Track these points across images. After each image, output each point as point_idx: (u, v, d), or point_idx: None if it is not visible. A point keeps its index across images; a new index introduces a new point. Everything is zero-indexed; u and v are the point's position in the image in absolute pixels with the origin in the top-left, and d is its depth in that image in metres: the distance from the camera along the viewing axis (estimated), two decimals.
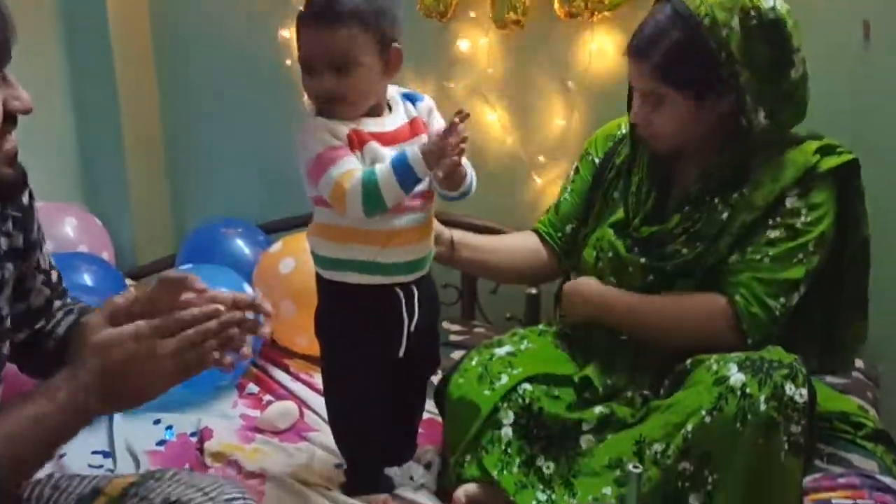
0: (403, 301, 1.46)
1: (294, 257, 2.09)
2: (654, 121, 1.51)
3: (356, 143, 1.38)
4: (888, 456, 1.61)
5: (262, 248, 2.33)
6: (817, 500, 1.47)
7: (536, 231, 1.82)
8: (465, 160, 1.41)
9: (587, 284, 1.62)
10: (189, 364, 1.02)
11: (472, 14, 2.28)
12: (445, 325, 2.26)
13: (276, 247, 2.21)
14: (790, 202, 1.50)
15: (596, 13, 2.11)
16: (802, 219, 1.49)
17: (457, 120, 1.33)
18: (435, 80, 2.36)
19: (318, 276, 1.50)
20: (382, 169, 1.35)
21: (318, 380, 2.00)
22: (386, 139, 1.40)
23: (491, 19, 2.24)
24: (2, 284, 1.13)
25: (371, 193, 1.34)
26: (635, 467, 1.07)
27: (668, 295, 1.54)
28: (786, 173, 1.50)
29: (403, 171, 1.34)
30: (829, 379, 1.85)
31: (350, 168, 1.35)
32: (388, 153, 1.38)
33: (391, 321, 1.46)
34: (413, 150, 1.35)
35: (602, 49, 2.16)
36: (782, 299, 1.49)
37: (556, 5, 2.15)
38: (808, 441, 1.39)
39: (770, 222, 1.50)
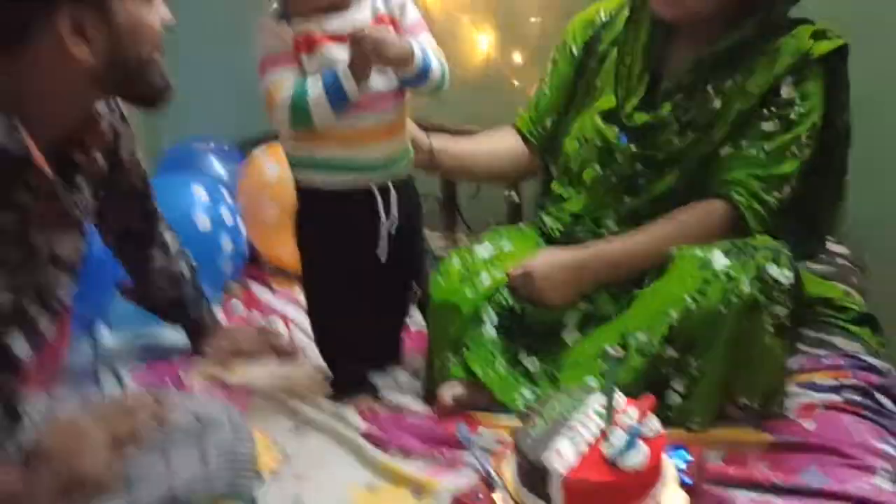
0: (380, 201, 1.44)
1: (278, 163, 2.07)
2: None
3: (304, 46, 1.34)
4: (874, 338, 1.63)
5: (239, 164, 2.30)
6: (801, 382, 1.49)
7: (516, 127, 1.78)
8: (430, 51, 1.38)
9: (550, 264, 1.50)
10: None
11: None
12: (427, 233, 2.23)
13: (260, 151, 2.20)
14: (785, 91, 1.46)
15: None
16: (796, 109, 1.46)
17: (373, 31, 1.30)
18: None
19: (295, 182, 1.48)
20: (315, 86, 1.32)
21: (301, 297, 1.99)
22: (344, 39, 1.34)
23: None
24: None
25: (299, 109, 1.33)
26: (615, 350, 1.06)
27: (658, 222, 1.49)
28: (781, 60, 1.46)
29: (334, 90, 1.32)
30: (815, 266, 1.84)
31: (281, 79, 1.33)
32: (345, 55, 1.33)
33: (368, 223, 1.45)
34: (343, 65, 1.32)
35: None
36: (776, 193, 1.47)
37: None
38: (793, 324, 1.40)
39: (765, 112, 1.47)
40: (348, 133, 1.39)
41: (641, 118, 1.53)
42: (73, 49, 1.10)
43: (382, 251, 1.46)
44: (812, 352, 1.58)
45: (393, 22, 1.41)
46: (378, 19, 1.40)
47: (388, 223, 1.46)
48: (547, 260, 1.50)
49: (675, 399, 1.37)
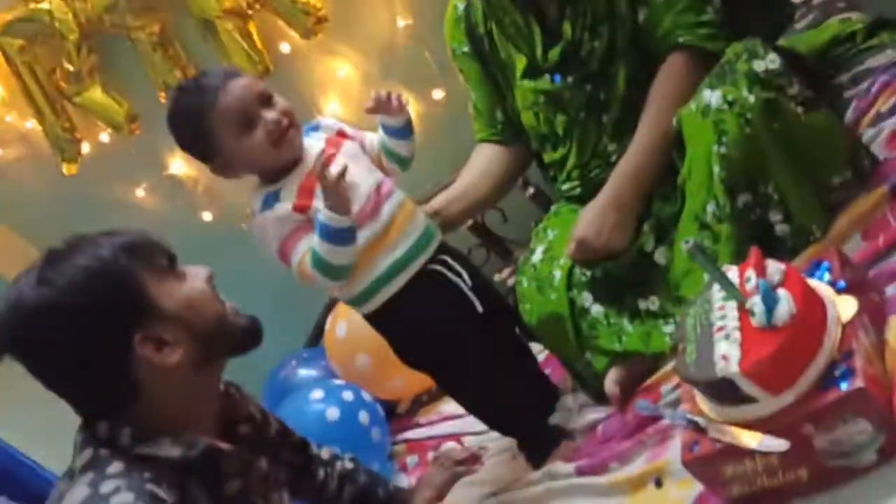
0: (445, 269, 1.49)
1: (344, 319, 2.15)
2: None
3: (307, 191, 1.41)
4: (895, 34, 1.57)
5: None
6: (869, 122, 1.43)
7: (481, 140, 1.80)
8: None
9: (592, 220, 1.48)
10: None
11: None
12: (497, 278, 2.26)
13: (328, 323, 2.29)
14: None
15: None
16: None
17: (319, 162, 1.35)
18: None
19: (370, 316, 1.52)
20: (318, 243, 1.39)
21: (447, 407, 2.02)
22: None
23: None
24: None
25: (321, 268, 1.40)
26: (686, 242, 1.04)
27: (644, 113, 1.49)
28: None
29: (329, 234, 1.38)
30: (800, 24, 1.79)
31: (301, 251, 1.41)
32: (336, 165, 1.39)
33: (449, 293, 1.49)
34: (325, 211, 1.37)
35: None
36: (709, 7, 1.46)
37: None
38: (816, 88, 1.36)
39: None
40: (379, 240, 1.45)
41: (555, 52, 1.54)
42: (167, 360, 1.16)
43: (476, 302, 1.49)
44: (857, 91, 1.53)
45: (342, 133, 1.52)
46: (329, 142, 1.49)
47: (466, 279, 1.50)
48: (586, 218, 1.50)
49: (783, 229, 1.34)
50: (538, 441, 1.57)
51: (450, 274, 1.49)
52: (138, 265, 1.17)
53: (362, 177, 1.45)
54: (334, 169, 1.33)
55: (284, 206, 1.41)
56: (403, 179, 1.58)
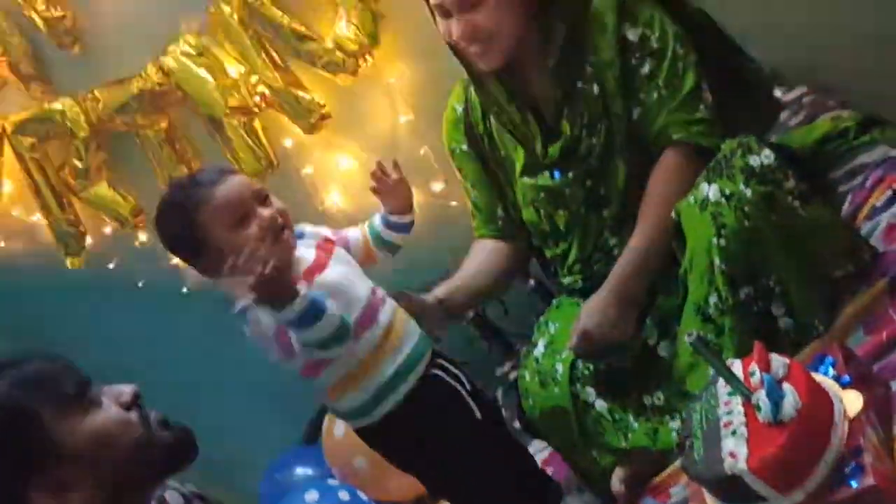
0: (443, 373, 1.46)
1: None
2: (479, 24, 1.46)
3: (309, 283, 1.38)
4: (889, 131, 1.60)
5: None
6: (867, 215, 1.45)
7: (481, 237, 1.81)
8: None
9: (594, 312, 1.47)
10: None
11: None
12: (498, 372, 2.25)
13: (326, 421, 2.27)
14: (632, 34, 1.51)
15: None
16: (652, 38, 1.50)
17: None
18: None
19: (368, 431, 1.47)
20: (298, 338, 1.34)
21: None
22: (317, 270, 1.41)
23: None
24: None
25: (324, 344, 1.35)
26: (689, 335, 1.04)
27: (643, 207, 1.50)
28: (607, 18, 1.51)
29: (297, 324, 1.32)
30: (793, 120, 1.84)
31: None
32: (334, 272, 1.40)
33: (451, 399, 1.45)
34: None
35: None
36: (701, 105, 1.50)
37: None
38: (811, 183, 1.39)
39: (633, 62, 1.51)
40: (380, 347, 1.41)
41: (555, 149, 1.57)
42: None
43: (475, 408, 1.46)
44: (852, 185, 1.55)
45: (328, 240, 1.49)
46: (319, 247, 1.46)
47: (465, 384, 1.47)
48: (589, 311, 1.50)
49: (786, 322, 1.34)
50: None
51: (449, 379, 1.46)
52: (37, 401, 1.04)
53: (357, 283, 1.43)
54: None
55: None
56: (403, 271, 1.59)
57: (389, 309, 1.45)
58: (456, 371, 1.48)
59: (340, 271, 1.40)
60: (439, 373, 1.45)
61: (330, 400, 1.47)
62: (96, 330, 2.78)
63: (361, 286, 1.43)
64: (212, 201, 1.38)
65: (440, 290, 1.68)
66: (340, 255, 1.47)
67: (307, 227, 1.51)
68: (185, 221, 1.39)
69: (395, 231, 1.53)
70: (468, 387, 1.47)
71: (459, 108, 1.72)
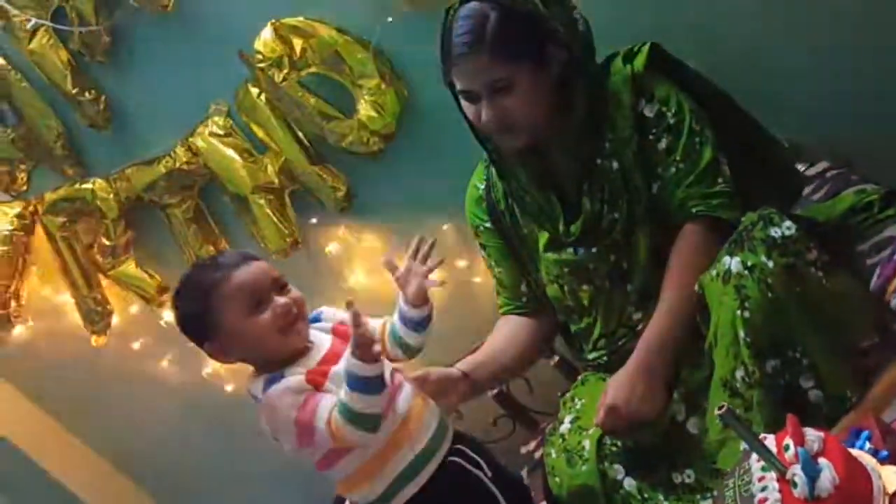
0: (463, 460, 1.42)
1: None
2: (509, 109, 1.48)
3: (319, 376, 1.35)
4: None
5: None
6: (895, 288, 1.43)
7: (506, 313, 1.80)
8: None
9: (622, 386, 1.45)
10: None
11: None
12: (524, 450, 2.21)
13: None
14: (648, 110, 1.53)
15: None
16: (668, 114, 1.52)
17: (352, 311, 1.30)
18: None
19: None
20: (345, 394, 1.31)
21: None
22: (332, 360, 1.38)
23: None
24: None
25: (361, 420, 1.30)
26: (720, 409, 1.02)
27: (665, 282, 1.50)
28: (623, 97, 1.53)
29: (356, 384, 1.30)
30: (816, 196, 1.84)
31: (329, 407, 1.31)
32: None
33: (471, 487, 1.41)
34: (344, 362, 1.32)
35: None
36: (720, 179, 1.51)
37: None
38: (837, 255, 1.38)
39: (651, 138, 1.53)
40: (399, 435, 1.38)
41: (577, 226, 1.58)
42: None
43: (499, 496, 1.42)
44: (880, 258, 1.54)
45: (344, 324, 1.43)
46: (335, 332, 1.44)
47: (485, 470, 1.43)
48: (615, 386, 1.48)
49: (816, 395, 1.31)
50: None
51: (469, 466, 1.42)
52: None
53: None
54: (365, 318, 1.30)
55: (295, 379, 1.34)
56: (428, 350, 1.57)
57: (408, 395, 1.42)
58: (475, 456, 1.44)
59: (374, 366, 1.33)
60: (458, 459, 1.42)
61: (342, 493, 1.43)
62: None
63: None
64: (228, 285, 1.37)
65: (464, 365, 1.67)
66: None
67: (326, 310, 1.49)
68: (199, 302, 1.38)
69: (410, 328, 1.44)
70: (489, 472, 1.43)
71: (481, 187, 1.74)
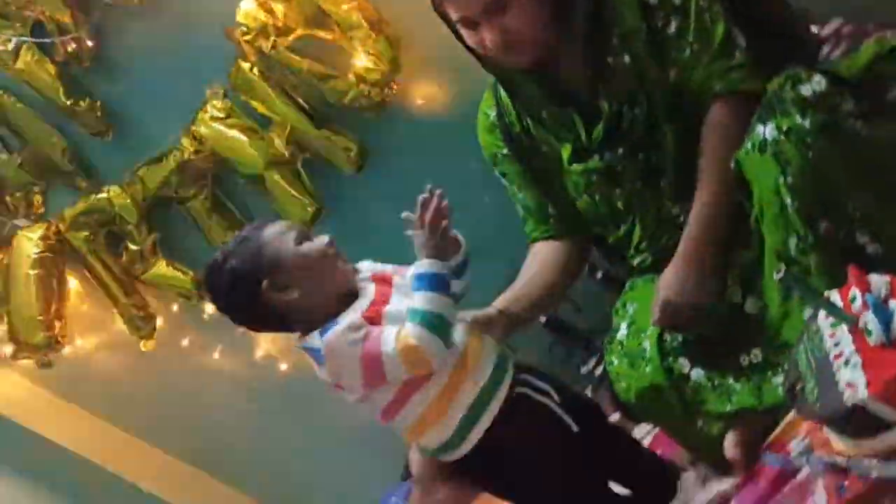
0: (529, 390, 1.39)
1: None
2: (509, 26, 1.44)
3: (374, 315, 1.33)
4: None
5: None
6: None
7: (535, 240, 1.76)
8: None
9: (673, 282, 1.41)
10: None
11: None
12: (584, 370, 2.20)
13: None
14: None
15: None
16: None
17: (423, 196, 1.30)
18: None
19: (455, 464, 1.40)
20: (417, 300, 1.29)
21: None
22: (381, 302, 1.35)
23: None
24: None
25: (431, 323, 1.27)
26: (777, 272, 0.99)
27: (701, 167, 1.45)
28: None
29: (428, 283, 1.29)
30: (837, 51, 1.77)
31: (394, 331, 1.28)
32: (400, 304, 1.34)
33: (541, 416, 1.39)
34: (419, 263, 1.31)
35: None
36: (737, 52, 1.46)
37: None
38: (866, 102, 1.32)
39: (659, 24, 1.48)
40: (460, 373, 1.34)
41: (598, 131, 1.54)
42: None
43: (569, 420, 1.39)
44: None
45: (383, 273, 1.43)
46: (373, 279, 1.41)
47: (553, 396, 1.40)
48: (667, 281, 1.44)
49: (874, 248, 1.26)
50: None
51: (535, 395, 1.39)
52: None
53: None
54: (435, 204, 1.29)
55: (352, 317, 1.31)
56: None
57: (460, 332, 1.39)
58: (542, 384, 1.41)
59: (403, 301, 1.34)
60: (524, 389, 1.39)
61: (410, 441, 1.42)
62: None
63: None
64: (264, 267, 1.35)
65: (500, 302, 1.62)
66: (398, 284, 1.40)
67: (362, 264, 1.45)
68: (251, 299, 1.35)
69: (417, 283, 1.34)
70: (557, 398, 1.41)
71: (492, 114, 1.70)
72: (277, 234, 1.38)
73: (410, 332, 1.27)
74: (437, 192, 1.33)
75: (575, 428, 1.39)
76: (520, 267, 1.75)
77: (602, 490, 1.44)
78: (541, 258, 1.73)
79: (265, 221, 1.43)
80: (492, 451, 1.36)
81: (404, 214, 1.37)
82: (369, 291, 1.38)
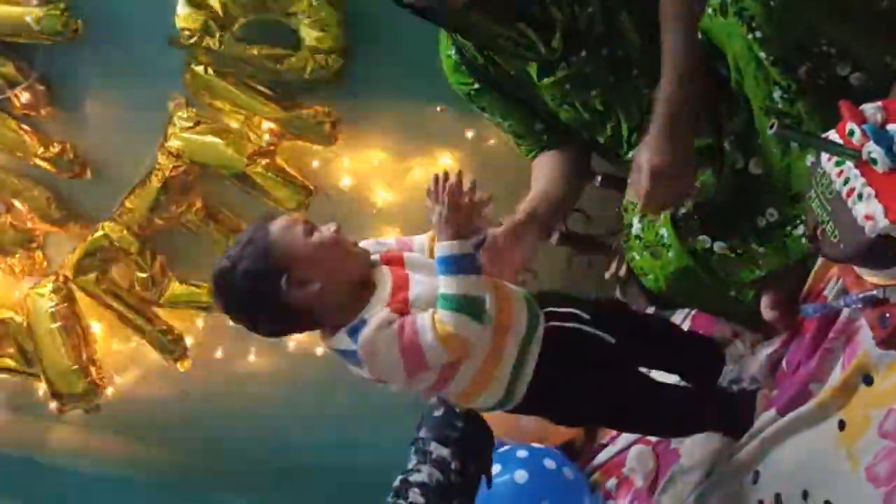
0: (557, 321, 1.38)
1: None
2: None
3: (400, 304, 1.28)
4: None
5: None
6: None
7: (533, 157, 1.76)
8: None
9: (651, 152, 1.37)
10: None
11: None
12: (608, 275, 2.21)
13: None
14: None
15: None
16: None
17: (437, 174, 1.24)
18: None
19: (511, 411, 1.40)
20: (444, 286, 1.25)
21: None
22: (403, 287, 1.30)
23: None
24: None
25: (464, 307, 1.23)
26: (770, 128, 0.98)
27: (665, 41, 1.41)
28: None
29: (453, 266, 1.24)
30: None
31: (428, 318, 1.24)
32: (418, 285, 1.30)
33: (576, 342, 1.39)
34: (439, 245, 1.26)
35: None
36: None
37: None
38: None
39: None
40: (497, 330, 1.31)
41: (558, 41, 1.52)
42: None
43: (603, 334, 1.40)
44: None
45: (390, 250, 1.40)
46: (383, 258, 1.37)
47: (582, 317, 1.40)
48: (645, 147, 1.38)
49: (857, 77, 1.26)
50: (729, 419, 1.46)
51: (564, 323, 1.38)
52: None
53: (435, 285, 1.28)
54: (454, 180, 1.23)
55: (381, 315, 1.26)
56: None
57: (490, 295, 1.31)
58: (565, 310, 1.40)
59: (422, 280, 1.30)
60: (552, 323, 1.37)
61: (463, 404, 1.42)
62: None
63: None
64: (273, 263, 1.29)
65: (524, 207, 1.61)
66: (412, 260, 1.36)
67: (367, 243, 1.41)
68: (271, 300, 1.29)
69: (442, 267, 1.28)
70: (585, 316, 1.40)
71: (453, 53, 1.68)
72: (284, 230, 1.31)
73: (445, 319, 1.24)
74: (456, 172, 1.26)
75: (611, 339, 1.39)
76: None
77: (653, 385, 1.45)
78: (546, 168, 1.71)
79: (263, 220, 1.36)
80: (542, 390, 1.36)
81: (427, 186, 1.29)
82: (385, 277, 1.32)
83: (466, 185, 1.25)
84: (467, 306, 1.24)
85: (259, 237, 1.31)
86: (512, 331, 1.32)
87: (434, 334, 1.23)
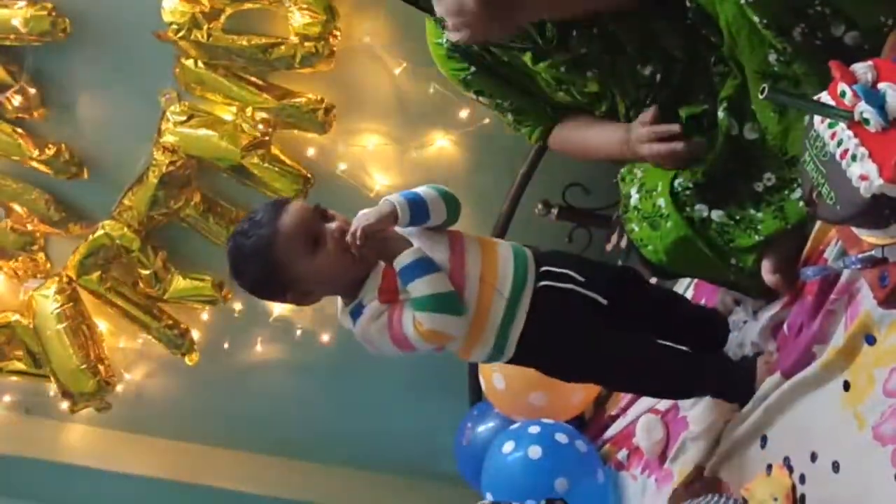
0: (550, 280, 1.41)
1: (497, 371, 2.10)
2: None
3: (388, 291, 1.36)
4: None
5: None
6: None
7: (541, 136, 1.72)
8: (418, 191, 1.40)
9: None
10: None
11: None
12: (609, 247, 2.20)
13: (482, 380, 2.22)
14: None
15: None
16: None
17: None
18: None
19: (509, 362, 1.46)
20: (409, 289, 1.34)
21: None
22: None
23: None
24: None
25: (434, 305, 1.33)
26: (761, 92, 0.97)
27: None
28: None
29: (412, 270, 1.33)
30: None
31: (409, 318, 1.34)
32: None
33: (569, 302, 1.41)
34: (395, 262, 1.35)
35: None
36: None
37: None
38: None
39: None
40: (483, 290, 1.38)
41: (550, 29, 1.51)
42: None
43: (596, 296, 1.42)
44: None
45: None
46: None
47: (576, 278, 1.42)
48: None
49: (852, 36, 1.25)
50: (732, 385, 1.47)
51: (558, 283, 1.41)
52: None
53: (433, 251, 1.38)
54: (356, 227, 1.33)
55: (372, 306, 1.37)
56: (473, 203, 1.52)
57: (474, 251, 1.41)
58: (561, 270, 1.42)
59: (412, 252, 1.36)
60: (546, 283, 1.41)
61: (465, 358, 1.48)
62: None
63: (437, 251, 1.38)
64: (280, 236, 1.34)
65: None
66: (404, 230, 1.41)
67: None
68: (263, 264, 1.35)
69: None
70: (581, 278, 1.42)
71: (443, 41, 1.64)
72: (299, 208, 1.38)
73: (421, 320, 1.34)
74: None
75: (603, 301, 1.42)
76: None
77: (652, 347, 1.46)
78: (564, 129, 1.68)
79: (277, 207, 1.39)
80: (534, 345, 1.41)
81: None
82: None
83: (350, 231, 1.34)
84: (436, 304, 1.33)
85: (270, 220, 1.36)
86: (498, 291, 1.39)
87: (416, 333, 1.35)
